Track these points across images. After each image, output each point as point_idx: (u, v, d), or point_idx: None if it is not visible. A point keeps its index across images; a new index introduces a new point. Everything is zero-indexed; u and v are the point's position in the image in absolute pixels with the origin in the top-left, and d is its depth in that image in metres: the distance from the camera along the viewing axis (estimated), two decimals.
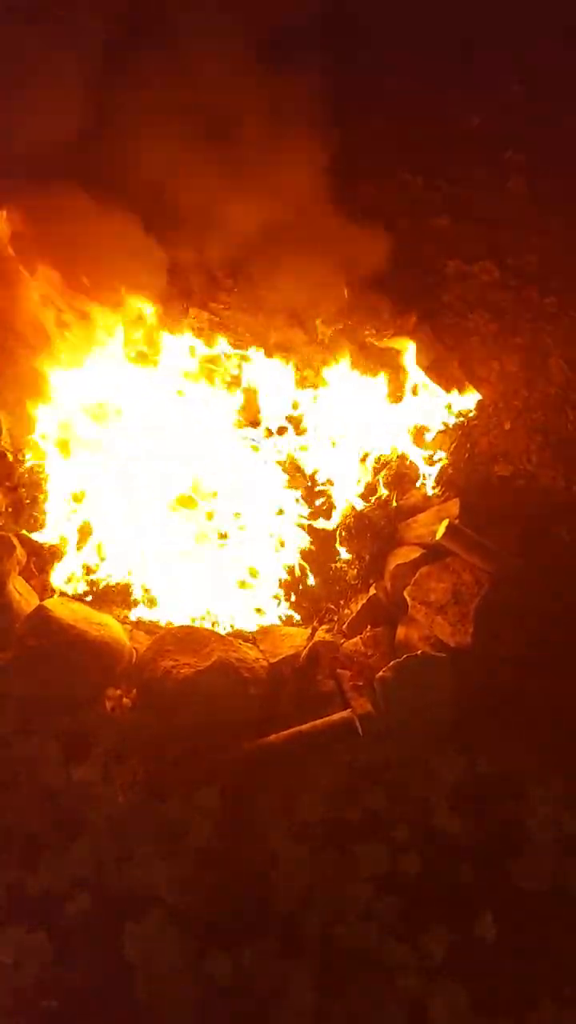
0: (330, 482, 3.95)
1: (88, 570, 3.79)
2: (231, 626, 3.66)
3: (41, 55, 3.72)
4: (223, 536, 3.85)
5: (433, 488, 3.88)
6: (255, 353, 4.27)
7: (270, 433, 4.07)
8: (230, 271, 4.33)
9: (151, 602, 3.76)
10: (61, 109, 3.71)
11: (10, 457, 4.00)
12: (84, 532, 3.86)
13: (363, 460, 3.97)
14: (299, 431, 4.08)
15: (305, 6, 4.42)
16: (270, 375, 4.21)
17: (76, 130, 3.75)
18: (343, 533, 3.80)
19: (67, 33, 3.82)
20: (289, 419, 4.10)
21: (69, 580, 3.76)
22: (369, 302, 4.16)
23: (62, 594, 3.68)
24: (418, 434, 4.01)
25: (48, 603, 3.44)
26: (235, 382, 4.27)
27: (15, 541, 3.62)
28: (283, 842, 2.94)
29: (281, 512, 3.90)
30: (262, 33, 4.23)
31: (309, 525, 3.87)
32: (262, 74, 4.28)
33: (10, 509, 3.89)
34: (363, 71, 5.56)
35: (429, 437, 4.01)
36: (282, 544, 3.85)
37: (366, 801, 3.02)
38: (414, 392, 4.09)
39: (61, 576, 3.77)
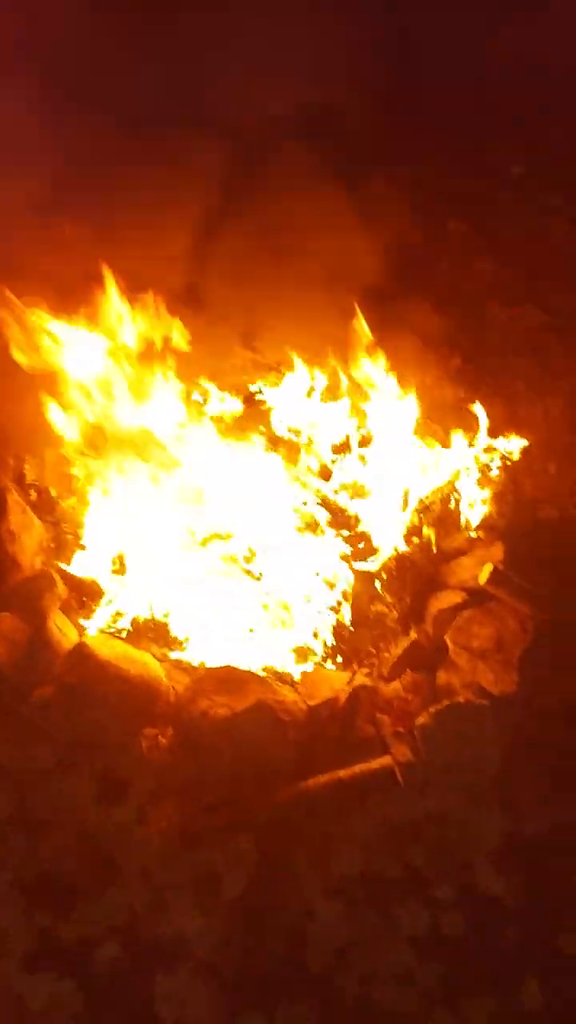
0: (371, 524, 3.92)
1: (128, 607, 3.78)
2: (270, 668, 3.61)
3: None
4: (260, 578, 3.82)
5: (476, 531, 3.82)
6: (297, 392, 4.29)
7: (311, 472, 4.06)
8: (275, 311, 4.39)
9: (189, 641, 3.73)
10: None
11: (53, 492, 4.05)
12: (124, 568, 3.86)
13: (405, 502, 3.93)
14: (341, 471, 4.07)
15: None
16: (312, 416, 4.22)
17: None
18: (384, 575, 3.75)
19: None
20: (331, 459, 4.09)
21: (109, 616, 3.76)
22: (413, 344, 4.18)
23: (102, 631, 3.68)
24: (461, 476, 3.97)
25: (88, 640, 3.44)
26: (277, 421, 4.29)
27: (56, 576, 3.64)
28: (320, 896, 2.85)
29: (323, 553, 3.86)
30: None
31: (351, 567, 3.82)
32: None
33: (52, 544, 3.92)
34: (405, 121, 5.67)
35: (473, 479, 3.97)
36: (323, 586, 3.81)
37: (406, 856, 2.92)
38: (458, 434, 4.06)
39: (101, 612, 3.77)
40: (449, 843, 2.97)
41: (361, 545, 3.89)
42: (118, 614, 3.76)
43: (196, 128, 4.35)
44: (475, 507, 3.90)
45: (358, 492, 4.02)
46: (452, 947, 2.78)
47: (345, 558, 3.85)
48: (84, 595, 3.80)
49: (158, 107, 4.28)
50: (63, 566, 3.85)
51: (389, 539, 3.86)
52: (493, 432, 4.08)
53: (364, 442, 4.14)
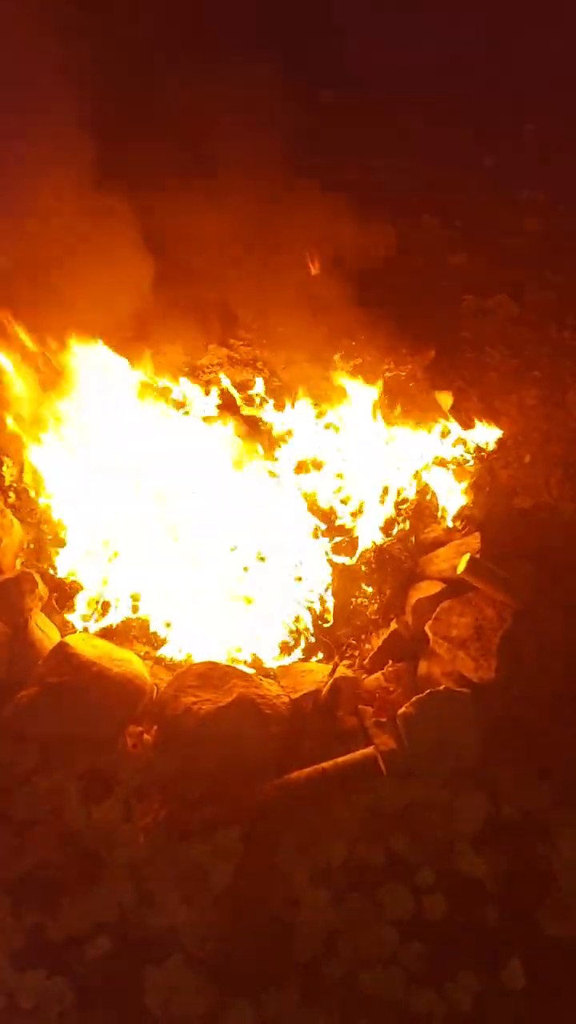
0: (353, 514, 3.95)
1: (109, 606, 3.79)
2: (253, 662, 3.64)
3: None
4: (244, 570, 3.85)
5: (454, 522, 3.87)
6: (274, 389, 4.32)
7: (294, 468, 4.09)
8: (250, 309, 4.41)
9: (171, 638, 3.75)
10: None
11: (32, 493, 4.05)
12: (105, 567, 3.87)
13: (383, 495, 3.97)
14: (319, 466, 4.10)
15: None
16: (288, 411, 4.25)
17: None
18: (364, 568, 3.79)
19: None
20: (309, 454, 4.12)
21: (90, 616, 3.77)
22: (388, 338, 4.21)
23: (83, 630, 3.69)
24: (438, 468, 4.01)
25: (69, 639, 3.45)
26: (254, 418, 4.32)
27: (37, 577, 3.65)
28: (305, 886, 2.88)
29: (302, 547, 3.89)
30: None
31: (330, 560, 3.85)
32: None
33: (32, 545, 3.93)
34: (378, 114, 5.70)
35: (449, 471, 4.01)
36: (303, 579, 3.84)
37: (389, 843, 2.96)
38: (434, 426, 4.10)
39: (82, 612, 3.78)
40: (431, 828, 3.01)
41: (341, 539, 3.92)
42: (100, 612, 3.77)
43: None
44: (452, 498, 3.94)
45: (337, 487, 4.05)
46: (435, 930, 2.82)
47: (325, 552, 3.88)
48: (65, 595, 3.81)
49: None
50: (44, 566, 3.85)
51: (368, 532, 3.90)
52: (469, 423, 4.12)
53: (341, 437, 4.17)
